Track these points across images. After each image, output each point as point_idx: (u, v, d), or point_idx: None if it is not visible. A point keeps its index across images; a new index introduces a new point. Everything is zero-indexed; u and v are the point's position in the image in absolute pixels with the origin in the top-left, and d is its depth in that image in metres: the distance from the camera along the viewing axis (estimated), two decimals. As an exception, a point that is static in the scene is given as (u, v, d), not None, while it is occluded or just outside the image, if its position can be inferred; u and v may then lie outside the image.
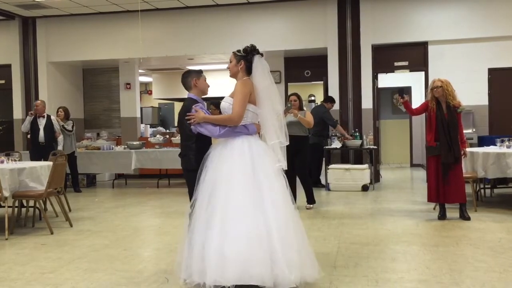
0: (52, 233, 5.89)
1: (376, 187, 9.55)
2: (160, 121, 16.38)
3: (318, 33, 10.41)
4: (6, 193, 5.82)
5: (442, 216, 6.21)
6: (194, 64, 12.99)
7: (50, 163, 6.41)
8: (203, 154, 3.89)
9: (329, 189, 9.12)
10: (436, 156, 6.10)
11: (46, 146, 8.90)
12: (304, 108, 7.56)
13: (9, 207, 6.07)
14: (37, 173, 6.26)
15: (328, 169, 9.21)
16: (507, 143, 6.94)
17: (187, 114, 3.90)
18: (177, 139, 10.57)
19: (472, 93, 9.49)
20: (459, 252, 4.69)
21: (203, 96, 4.16)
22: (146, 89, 17.85)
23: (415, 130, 13.44)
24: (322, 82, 11.95)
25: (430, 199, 6.28)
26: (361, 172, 9.05)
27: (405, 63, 10.41)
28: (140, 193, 9.65)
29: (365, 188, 8.99)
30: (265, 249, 3.50)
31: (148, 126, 13.94)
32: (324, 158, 9.63)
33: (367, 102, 10.25)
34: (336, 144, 9.35)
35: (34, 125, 8.97)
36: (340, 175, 9.09)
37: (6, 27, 11.69)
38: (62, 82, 12.28)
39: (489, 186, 8.12)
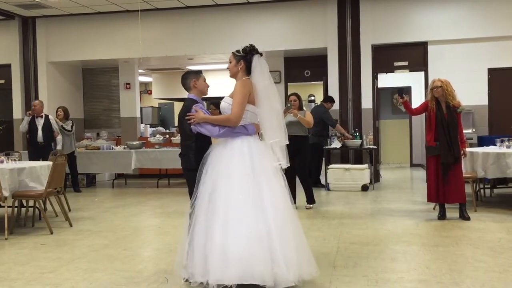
0: (51, 233, 5.89)
1: (376, 187, 9.55)
2: (160, 121, 16.38)
3: (318, 33, 10.41)
4: (6, 193, 5.82)
5: (442, 216, 6.22)
6: (194, 64, 12.99)
7: (50, 163, 6.40)
8: (203, 153, 3.91)
9: (329, 189, 9.12)
10: (436, 156, 6.10)
11: (45, 146, 8.91)
12: (304, 108, 7.56)
13: (9, 207, 6.07)
14: (37, 173, 6.26)
15: (328, 169, 9.21)
16: (506, 143, 6.94)
17: (187, 114, 3.91)
18: (177, 139, 10.57)
19: (472, 93, 9.50)
20: (459, 252, 4.69)
21: (203, 96, 4.18)
22: (146, 89, 17.85)
23: (415, 130, 13.44)
24: (322, 82, 11.96)
25: (430, 199, 6.28)
26: (361, 172, 9.05)
27: (405, 63, 10.41)
28: (140, 193, 9.65)
29: (365, 188, 8.99)
30: (265, 249, 3.54)
31: (148, 126, 13.94)
32: (324, 158, 9.63)
33: (367, 102, 10.25)
34: (336, 144, 9.35)
35: (32, 125, 8.97)
36: (340, 175, 9.10)
37: (6, 27, 11.69)
38: (62, 82, 12.28)
39: (488, 186, 8.12)
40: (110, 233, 5.91)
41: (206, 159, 3.87)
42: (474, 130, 9.73)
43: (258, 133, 3.95)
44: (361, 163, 9.76)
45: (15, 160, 6.62)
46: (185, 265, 3.79)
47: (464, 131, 6.48)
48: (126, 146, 10.42)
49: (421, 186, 9.27)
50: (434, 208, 6.68)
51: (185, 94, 4.20)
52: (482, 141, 9.13)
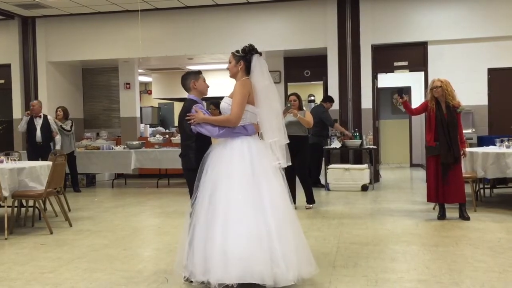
0: (51, 233, 5.89)
1: (376, 187, 9.55)
2: (160, 121, 16.38)
3: (318, 33, 10.41)
4: (6, 193, 5.82)
5: (442, 216, 6.22)
6: (194, 64, 12.99)
7: (50, 163, 6.40)
8: (203, 153, 3.93)
9: (328, 189, 9.12)
10: (436, 156, 6.10)
11: (44, 146, 8.92)
12: (304, 108, 7.56)
13: (8, 206, 6.08)
14: (37, 173, 6.26)
15: (327, 169, 9.21)
16: (506, 143, 6.94)
17: (187, 114, 3.93)
18: (176, 139, 10.57)
19: (471, 93, 9.50)
20: (459, 252, 4.69)
21: (202, 97, 4.19)
22: (145, 89, 17.85)
23: (415, 130, 13.45)
24: (321, 82, 11.96)
25: (429, 199, 6.28)
26: (361, 172, 9.05)
27: (405, 63, 10.41)
28: (139, 193, 9.65)
29: (364, 188, 8.99)
30: (265, 248, 3.57)
31: (148, 126, 13.94)
32: (323, 158, 9.63)
33: (366, 102, 10.25)
34: (336, 144, 9.35)
35: (31, 125, 8.98)
36: (340, 175, 9.10)
37: (6, 27, 11.69)
38: (62, 82, 12.28)
39: (488, 186, 8.12)
40: (110, 233, 5.91)
41: (206, 159, 3.89)
42: (474, 130, 9.73)
43: (258, 133, 3.96)
44: (361, 163, 9.77)
45: (15, 160, 6.62)
46: (185, 265, 3.80)
47: (464, 131, 6.48)
48: (126, 146, 10.42)
49: (421, 186, 9.27)
50: (434, 208, 6.68)
51: (184, 94, 4.21)
52: (482, 141, 9.13)
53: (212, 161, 3.84)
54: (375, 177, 10.01)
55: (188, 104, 4.02)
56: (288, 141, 3.97)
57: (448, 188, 6.07)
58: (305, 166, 7.32)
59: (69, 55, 11.64)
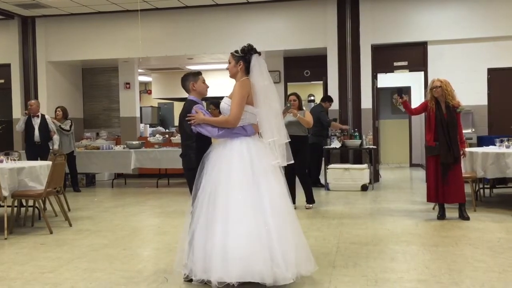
0: (51, 232, 5.89)
1: (376, 187, 9.55)
2: (160, 121, 16.38)
3: (318, 33, 10.41)
4: (6, 193, 5.82)
5: (442, 216, 6.22)
6: (194, 64, 12.99)
7: (50, 162, 6.40)
8: (203, 153, 3.95)
9: (328, 189, 9.12)
10: (436, 156, 6.10)
11: (42, 145, 8.93)
12: (304, 108, 7.56)
13: (8, 206, 6.08)
14: (37, 172, 6.26)
15: (327, 169, 9.21)
16: (506, 143, 6.94)
17: (187, 115, 3.96)
18: (176, 138, 10.58)
19: (471, 93, 9.50)
20: (459, 252, 4.69)
21: (202, 97, 4.21)
22: (145, 89, 17.85)
23: (415, 130, 13.45)
24: (321, 82, 11.96)
25: (429, 199, 6.28)
26: (361, 172, 9.05)
27: (405, 63, 10.41)
28: (139, 193, 9.65)
29: (364, 188, 8.99)
30: (265, 248, 3.60)
31: (148, 125, 13.93)
32: (323, 158, 9.63)
33: (366, 102, 10.25)
34: (336, 144, 9.35)
35: (29, 125, 8.98)
36: (340, 175, 9.10)
37: (6, 27, 11.68)
38: (62, 81, 12.28)
39: (488, 186, 8.13)
40: (110, 233, 5.91)
41: (206, 159, 3.91)
42: (473, 130, 9.73)
43: (258, 133, 3.98)
44: (360, 163, 9.77)
45: (14, 160, 6.62)
46: (185, 263, 3.82)
47: (464, 131, 6.49)
48: (125, 146, 10.42)
49: (420, 186, 9.27)
50: (433, 208, 6.68)
51: (184, 94, 4.25)
52: (482, 141, 9.13)
53: (212, 161, 3.86)
54: (375, 177, 10.01)
55: (188, 105, 4.05)
56: (289, 140, 3.99)
57: (448, 188, 6.07)
58: (305, 166, 7.32)
59: (69, 55, 11.64)
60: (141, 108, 14.12)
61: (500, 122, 9.78)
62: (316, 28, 10.40)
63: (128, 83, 12.52)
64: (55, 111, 9.83)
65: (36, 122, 9.00)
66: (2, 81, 11.95)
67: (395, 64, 10.46)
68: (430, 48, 10.10)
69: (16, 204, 6.52)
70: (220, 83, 10.98)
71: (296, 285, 3.73)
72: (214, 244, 3.62)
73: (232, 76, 4.06)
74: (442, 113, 6.05)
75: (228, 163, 3.80)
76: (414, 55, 10.30)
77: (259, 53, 4.01)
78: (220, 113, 4.15)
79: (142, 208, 7.88)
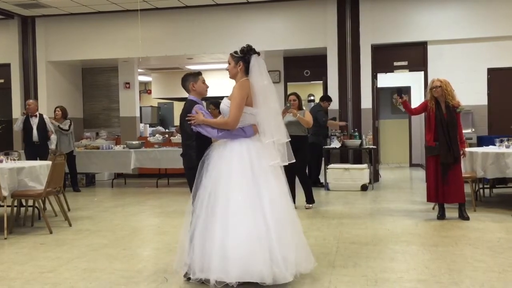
0: (51, 232, 5.89)
1: (375, 187, 9.55)
2: (160, 121, 16.38)
3: (318, 33, 10.41)
4: (5, 193, 5.81)
5: (441, 216, 6.22)
6: (194, 64, 12.99)
7: (49, 162, 6.40)
8: (204, 151, 3.97)
9: (328, 189, 9.12)
10: (435, 156, 6.10)
11: (41, 145, 8.94)
12: (304, 108, 7.56)
13: (8, 206, 6.08)
14: (36, 172, 6.25)
15: (327, 168, 9.21)
16: (506, 143, 6.94)
17: (187, 115, 3.98)
18: (176, 138, 10.58)
19: (471, 93, 9.49)
20: (458, 252, 4.69)
21: (202, 97, 4.23)
22: (145, 89, 17.85)
23: (414, 130, 13.45)
24: (321, 81, 11.95)
25: (429, 199, 6.28)
26: (360, 172, 9.05)
27: (405, 63, 10.41)
28: (139, 193, 9.65)
29: (364, 188, 8.99)
30: (265, 248, 3.62)
31: (148, 125, 13.93)
32: (323, 158, 9.63)
33: (366, 102, 10.25)
34: (336, 144, 9.34)
35: (27, 125, 8.99)
36: (339, 175, 9.09)
37: (6, 26, 11.68)
38: (61, 81, 12.27)
39: (488, 186, 8.12)
40: (109, 233, 5.91)
41: (206, 159, 3.92)
42: (473, 130, 9.72)
43: (258, 134, 3.99)
44: (360, 163, 9.77)
45: (14, 160, 6.62)
46: (185, 262, 3.83)
47: (464, 131, 6.49)
48: (125, 146, 10.42)
49: (420, 186, 9.27)
50: (433, 208, 6.68)
51: (184, 94, 4.27)
52: (482, 141, 9.13)
53: (212, 162, 3.88)
54: (375, 177, 10.01)
55: (188, 105, 4.07)
56: (289, 139, 4.00)
57: (448, 188, 6.07)
58: (304, 166, 7.32)
59: (68, 55, 11.63)
60: (141, 108, 14.12)
61: (500, 122, 9.78)
62: (316, 28, 10.40)
63: (128, 83, 12.52)
64: (54, 111, 9.83)
65: (35, 122, 9.00)
66: (2, 81, 11.95)
67: (395, 64, 10.46)
68: (430, 48, 10.10)
69: (16, 204, 6.53)
70: (220, 83, 10.97)
71: (296, 285, 3.74)
72: (213, 244, 3.64)
73: (232, 76, 4.08)
74: (442, 113, 6.05)
75: (228, 164, 3.81)
76: (414, 55, 10.30)
77: (258, 54, 4.02)
78: (220, 113, 4.17)
79: (142, 208, 7.88)
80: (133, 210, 7.62)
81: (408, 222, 6.15)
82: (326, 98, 9.75)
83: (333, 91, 10.24)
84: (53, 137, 9.21)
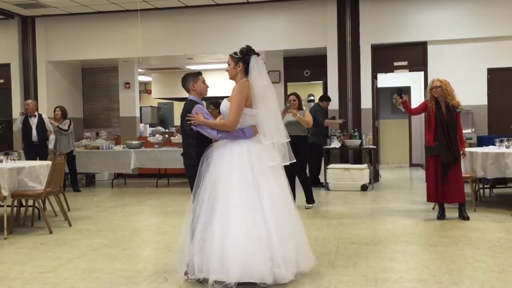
0: (51, 232, 5.89)
1: (375, 187, 9.55)
2: (160, 121, 16.39)
3: (318, 33, 10.41)
4: (5, 193, 5.81)
5: (441, 216, 6.22)
6: (194, 64, 13.00)
7: (49, 162, 6.40)
8: (203, 149, 4.00)
9: (328, 189, 9.12)
10: (435, 156, 6.10)
11: (40, 144, 8.96)
12: (304, 108, 7.56)
13: (8, 206, 6.08)
14: (36, 172, 6.25)
15: (327, 168, 9.21)
16: (506, 143, 6.94)
17: (187, 115, 4.00)
18: (176, 138, 10.58)
19: (471, 93, 9.49)
20: (458, 252, 4.69)
21: (202, 97, 4.25)
22: (145, 89, 17.85)
23: (414, 130, 13.45)
24: (321, 81, 11.95)
25: (429, 199, 6.29)
26: (360, 172, 9.05)
27: (405, 63, 10.41)
28: (139, 193, 9.65)
29: (364, 188, 8.99)
30: (265, 249, 3.64)
31: (148, 125, 13.93)
32: (323, 158, 9.63)
33: (366, 102, 10.25)
34: (336, 144, 9.35)
35: (26, 125, 9.00)
36: (339, 175, 9.09)
37: (6, 26, 11.68)
38: (61, 81, 12.27)
39: (488, 186, 8.12)
40: (109, 233, 5.91)
41: (206, 158, 3.94)
42: (473, 130, 9.72)
43: (258, 134, 4.00)
44: (360, 163, 9.77)
45: (14, 160, 6.62)
46: (186, 261, 3.84)
47: (464, 131, 6.49)
48: (125, 146, 10.42)
49: (420, 186, 9.27)
50: (433, 208, 6.68)
51: (184, 94, 4.29)
52: (482, 141, 9.13)
53: (212, 163, 3.89)
54: (375, 177, 10.01)
55: (188, 105, 4.09)
56: (289, 139, 4.02)
57: (448, 188, 6.07)
58: (304, 166, 7.32)
59: (68, 55, 11.63)
60: (141, 108, 14.13)
61: (500, 122, 9.78)
62: (316, 28, 10.40)
63: (128, 83, 12.52)
64: (54, 111, 9.84)
65: (34, 122, 9.01)
66: (2, 81, 11.94)
67: (395, 64, 10.46)
68: (430, 48, 10.10)
69: (16, 204, 6.52)
70: (220, 83, 10.97)
71: (296, 285, 3.74)
72: (213, 244, 3.65)
73: (232, 77, 4.09)
74: (442, 113, 6.05)
75: (228, 165, 3.83)
76: (414, 55, 10.30)
77: (258, 54, 4.04)
78: (219, 113, 4.19)
79: (142, 208, 7.88)
80: (133, 210, 7.62)
81: (408, 222, 6.15)
82: (325, 98, 9.75)
83: (333, 91, 10.24)
84: (52, 137, 9.22)
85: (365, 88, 10.23)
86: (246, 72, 3.98)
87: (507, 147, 6.86)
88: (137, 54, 10.94)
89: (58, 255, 4.89)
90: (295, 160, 4.07)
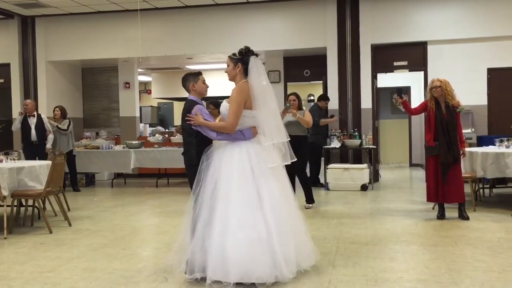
0: (51, 232, 5.89)
1: (375, 186, 9.55)
2: (159, 121, 16.39)
3: (318, 32, 10.40)
4: (5, 192, 5.81)
5: (441, 215, 6.22)
6: (194, 64, 13.00)
7: (49, 162, 6.40)
8: (204, 148, 4.01)
9: (328, 189, 9.12)
10: (435, 156, 6.10)
11: (39, 144, 8.96)
12: (303, 108, 7.56)
13: (8, 206, 6.07)
14: (36, 172, 6.25)
15: (327, 168, 9.21)
16: (506, 143, 6.94)
17: (187, 115, 4.02)
18: (176, 138, 10.58)
19: (471, 93, 9.49)
20: (458, 251, 4.69)
21: (202, 97, 4.26)
22: (145, 89, 17.85)
23: (414, 130, 13.45)
24: (321, 81, 11.95)
25: (429, 199, 6.29)
26: (360, 172, 9.05)
27: (405, 63, 10.41)
28: (139, 193, 9.65)
29: (364, 187, 8.99)
30: (265, 249, 3.65)
31: (147, 125, 13.94)
32: (323, 158, 9.63)
33: (366, 102, 10.25)
34: (335, 144, 9.35)
35: (25, 125, 9.01)
36: (339, 175, 9.09)
37: (5, 26, 11.67)
38: (61, 81, 12.27)
39: (488, 186, 8.12)
40: (109, 233, 5.91)
41: (206, 159, 3.95)
42: (473, 130, 9.72)
43: (258, 135, 4.01)
44: (360, 162, 9.76)
45: (14, 159, 6.62)
46: (185, 260, 3.85)
47: (464, 131, 6.49)
48: (125, 146, 10.42)
49: (420, 186, 9.27)
50: (433, 208, 6.68)
51: (184, 94, 4.30)
52: (482, 141, 9.13)
53: (212, 165, 3.90)
54: (375, 177, 10.01)
55: (188, 105, 4.10)
56: (289, 138, 4.03)
57: (448, 188, 6.07)
58: (304, 166, 7.32)
59: (68, 55, 11.63)
60: (140, 107, 14.13)
61: (500, 122, 9.77)
62: (315, 28, 10.40)
63: (128, 83, 12.52)
64: (54, 111, 9.85)
65: (33, 121, 9.02)
66: (2, 80, 11.94)
67: (395, 64, 10.46)
68: (430, 48, 10.10)
69: (15, 203, 6.52)
70: (220, 83, 10.97)
71: (296, 285, 3.74)
72: (213, 244, 3.66)
73: (231, 79, 4.10)
74: (442, 113, 6.05)
75: (228, 167, 3.84)
76: (414, 55, 10.30)
77: (257, 55, 4.05)
78: (219, 113, 4.21)
79: (142, 207, 7.88)
80: (133, 210, 7.62)
81: (408, 222, 6.15)
82: (323, 97, 9.76)
83: (333, 91, 10.24)
84: (50, 136, 9.23)
85: (365, 88, 10.23)
86: (245, 72, 3.99)
87: (507, 147, 6.86)
88: (137, 54, 10.94)
89: (58, 254, 4.89)
90: (295, 159, 4.07)
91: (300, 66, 11.98)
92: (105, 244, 5.30)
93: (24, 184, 6.09)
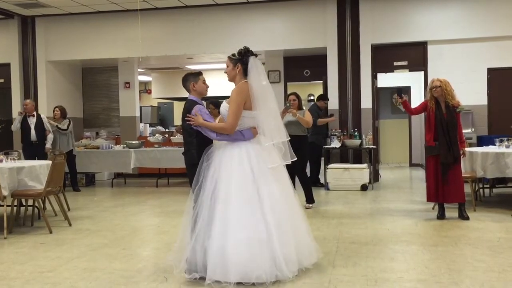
0: (51, 232, 5.89)
1: (375, 186, 9.55)
2: (159, 120, 16.39)
3: (318, 32, 10.40)
4: (5, 192, 5.81)
5: (441, 215, 6.22)
6: (194, 64, 13.00)
7: (49, 162, 6.40)
8: (204, 147, 4.02)
9: (328, 189, 9.12)
10: (435, 156, 6.10)
11: (39, 144, 8.97)
12: (304, 108, 7.56)
13: (8, 206, 6.07)
14: (36, 172, 6.25)
15: (327, 168, 9.21)
16: (506, 143, 6.94)
17: (187, 115, 4.03)
18: (176, 138, 10.58)
19: (471, 93, 9.49)
20: (458, 251, 4.69)
21: (202, 96, 4.28)
22: (145, 88, 17.85)
23: (414, 129, 13.45)
24: (321, 81, 11.95)
25: (429, 199, 6.29)
26: (360, 172, 9.05)
27: (405, 63, 10.41)
28: (139, 193, 9.65)
29: (364, 187, 8.99)
30: (265, 249, 3.66)
31: (147, 125, 13.93)
32: (323, 158, 9.63)
33: (366, 101, 10.25)
34: (335, 144, 9.35)
35: (25, 125, 9.02)
36: (339, 175, 9.09)
37: (6, 26, 11.68)
38: (61, 81, 12.27)
39: (488, 186, 8.12)
40: (109, 233, 5.91)
41: (206, 159, 3.95)
42: (473, 130, 9.73)
43: (258, 136, 4.02)
44: (360, 162, 9.76)
45: (14, 159, 6.62)
46: (186, 259, 3.85)
47: (464, 131, 6.49)
48: (125, 146, 10.42)
49: (420, 185, 9.27)
50: (433, 208, 6.68)
51: (184, 94, 4.32)
52: (482, 141, 9.13)
53: (213, 165, 3.91)
54: (375, 176, 10.01)
55: (188, 105, 4.11)
56: (289, 138, 4.03)
57: (448, 188, 6.07)
58: (304, 166, 7.32)
59: (68, 54, 11.63)
60: (140, 107, 14.13)
61: (500, 122, 9.78)
62: (316, 27, 10.40)
63: (128, 83, 12.52)
64: (53, 111, 9.85)
65: (32, 121, 9.03)
66: (2, 80, 11.94)
67: (395, 64, 10.46)
68: (430, 48, 10.10)
69: (15, 203, 6.52)
70: (220, 83, 10.96)
71: (296, 285, 3.74)
72: (213, 244, 3.66)
73: (231, 79, 4.10)
74: (442, 113, 6.05)
75: (228, 168, 3.84)
76: (414, 55, 10.30)
77: (256, 55, 4.05)
78: (219, 113, 4.22)
79: (142, 207, 7.88)
80: (133, 209, 7.62)
81: (408, 222, 6.15)
82: (322, 97, 9.76)
83: (333, 91, 10.24)
84: (50, 136, 9.23)
85: (365, 88, 10.23)
86: (245, 73, 4.00)
87: (507, 147, 6.86)
88: (137, 54, 10.94)
89: (58, 254, 4.89)
90: (296, 159, 4.08)
91: (300, 66, 11.98)
92: (105, 244, 5.30)
93: (24, 184, 6.09)
